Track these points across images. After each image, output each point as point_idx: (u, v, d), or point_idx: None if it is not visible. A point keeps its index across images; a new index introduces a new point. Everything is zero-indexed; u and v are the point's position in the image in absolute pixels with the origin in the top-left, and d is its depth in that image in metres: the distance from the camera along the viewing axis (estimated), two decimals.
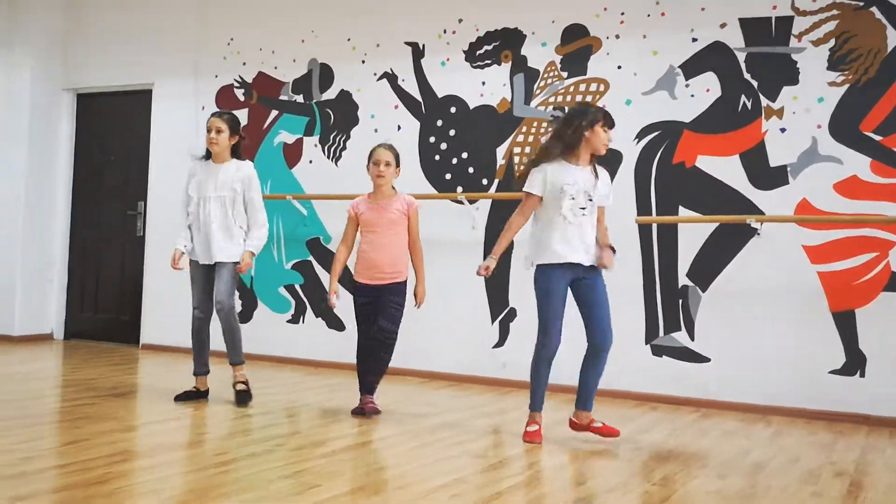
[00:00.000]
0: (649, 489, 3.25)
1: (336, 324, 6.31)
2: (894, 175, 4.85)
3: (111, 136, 7.45)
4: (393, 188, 4.51)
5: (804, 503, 3.13)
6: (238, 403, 4.63)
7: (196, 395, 4.73)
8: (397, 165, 4.48)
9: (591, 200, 3.96)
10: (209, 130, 4.65)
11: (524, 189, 4.06)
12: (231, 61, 6.85)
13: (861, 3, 4.96)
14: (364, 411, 4.41)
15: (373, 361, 4.42)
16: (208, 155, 4.73)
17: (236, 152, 4.73)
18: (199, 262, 4.72)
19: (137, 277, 7.19)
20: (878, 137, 4.90)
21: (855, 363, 4.90)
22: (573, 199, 3.93)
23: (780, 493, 3.25)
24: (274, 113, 6.66)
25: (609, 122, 4.02)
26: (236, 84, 6.82)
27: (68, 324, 7.52)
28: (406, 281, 4.47)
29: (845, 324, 4.93)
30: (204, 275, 4.72)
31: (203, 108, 6.92)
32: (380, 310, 4.39)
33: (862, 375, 4.89)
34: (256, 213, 4.67)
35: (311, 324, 6.43)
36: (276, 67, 6.67)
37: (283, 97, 6.63)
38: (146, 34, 7.16)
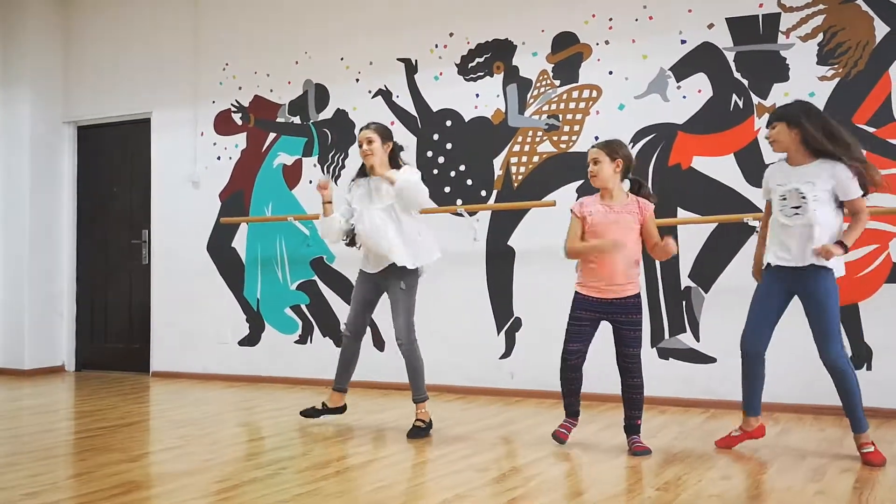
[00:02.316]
0: (652, 494, 3.24)
1: None
2: (890, 166, 4.83)
3: (113, 167, 7.53)
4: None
5: (809, 503, 3.11)
6: (409, 437, 4.39)
7: (325, 412, 4.65)
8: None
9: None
10: (360, 144, 4.47)
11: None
12: (227, 86, 6.91)
13: None
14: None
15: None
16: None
17: (395, 161, 4.50)
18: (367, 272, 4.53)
19: (145, 305, 7.25)
20: (871, 129, 4.88)
21: (861, 356, 4.87)
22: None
23: (784, 493, 3.23)
24: (272, 135, 6.71)
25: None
26: (233, 108, 6.88)
27: (79, 355, 7.58)
28: None
29: (849, 317, 4.90)
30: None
31: (202, 133, 6.98)
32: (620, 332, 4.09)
33: (869, 368, 4.86)
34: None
35: (319, 343, 6.46)
36: (271, 90, 6.72)
37: (279, 119, 6.68)
38: (142, 64, 7.24)
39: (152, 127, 7.23)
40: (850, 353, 4.81)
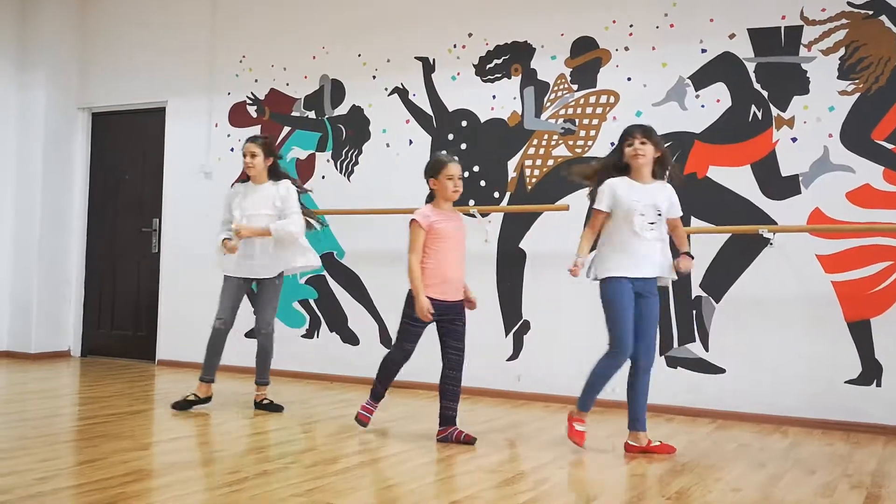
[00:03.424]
0: None
1: (350, 338, 6.33)
2: None
3: (126, 154, 7.53)
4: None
5: None
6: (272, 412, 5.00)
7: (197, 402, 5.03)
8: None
9: (659, 215, 4.05)
10: (244, 155, 4.97)
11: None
12: (243, 78, 6.91)
13: (870, 12, 4.94)
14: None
15: (455, 384, 4.42)
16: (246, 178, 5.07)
17: (274, 173, 5.02)
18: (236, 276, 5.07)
19: (153, 294, 7.25)
20: (889, 146, 4.88)
21: (871, 373, 4.87)
22: (643, 215, 4.02)
23: None
24: (286, 129, 6.71)
25: (636, 134, 4.09)
26: (248, 101, 6.88)
27: (85, 341, 7.58)
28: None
29: (861, 333, 4.90)
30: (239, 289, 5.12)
31: (216, 125, 6.98)
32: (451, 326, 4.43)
33: (878, 385, 4.85)
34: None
35: (326, 338, 6.46)
36: (287, 84, 6.72)
37: (294, 113, 6.68)
38: (159, 53, 7.24)
39: (167, 116, 7.23)
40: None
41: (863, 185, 4.92)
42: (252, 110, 6.87)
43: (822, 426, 4.87)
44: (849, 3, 4.99)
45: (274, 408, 5.05)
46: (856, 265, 4.93)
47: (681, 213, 4.18)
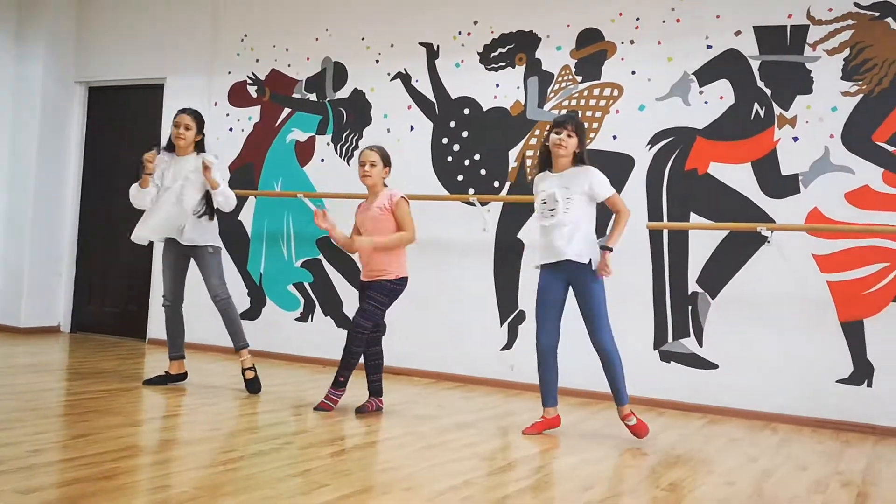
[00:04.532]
0: (658, 495, 3.25)
1: (345, 322, 6.32)
2: None
3: (122, 130, 7.46)
4: (384, 185, 4.60)
5: None
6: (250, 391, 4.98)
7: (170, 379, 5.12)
8: (385, 165, 4.58)
9: (568, 199, 4.17)
10: (177, 126, 4.98)
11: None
12: (244, 58, 6.86)
13: (877, 14, 4.95)
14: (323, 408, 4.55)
15: (344, 354, 4.49)
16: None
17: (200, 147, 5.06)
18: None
19: (145, 271, 7.21)
20: (890, 148, 4.89)
21: (862, 373, 4.90)
22: (544, 202, 4.21)
23: (788, 503, 3.25)
24: (286, 111, 6.67)
25: (555, 125, 4.26)
26: (249, 81, 6.84)
27: (75, 316, 7.54)
28: (395, 279, 4.48)
29: (853, 333, 4.92)
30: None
31: (215, 104, 6.94)
32: (360, 304, 4.54)
33: (869, 385, 4.88)
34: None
35: (320, 322, 6.44)
36: (289, 65, 6.68)
37: (296, 95, 6.64)
38: (159, 29, 7.18)
39: (165, 93, 7.17)
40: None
41: (862, 187, 4.94)
42: (252, 90, 6.82)
43: (813, 424, 4.90)
44: (856, 4, 5.00)
45: (252, 386, 4.95)
46: (851, 266, 4.95)
47: (609, 193, 4.23)
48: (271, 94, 6.74)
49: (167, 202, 4.91)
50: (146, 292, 7.19)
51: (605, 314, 4.18)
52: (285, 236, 6.61)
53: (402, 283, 4.51)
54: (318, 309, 6.47)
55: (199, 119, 5.03)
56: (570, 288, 4.23)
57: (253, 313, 6.68)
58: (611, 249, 4.18)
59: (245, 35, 6.86)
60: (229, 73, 6.92)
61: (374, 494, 3.01)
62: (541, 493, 3.21)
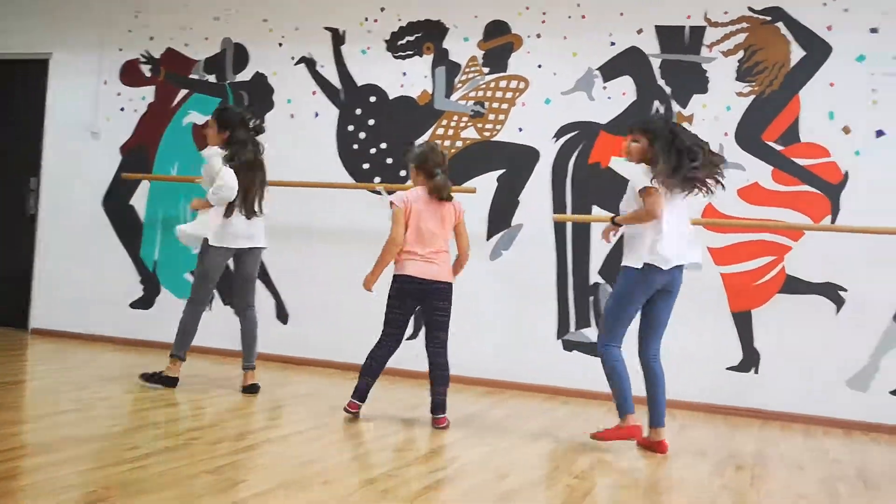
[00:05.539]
0: (571, 482, 3.33)
1: None
2: (793, 183, 5.13)
3: (1, 107, 7.00)
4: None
5: (716, 496, 3.28)
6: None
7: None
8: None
9: None
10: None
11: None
12: (137, 35, 6.55)
13: (768, 18, 5.20)
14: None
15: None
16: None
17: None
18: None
19: (27, 258, 6.79)
20: (779, 147, 5.17)
21: (750, 360, 5.17)
22: None
23: (695, 487, 3.40)
24: (183, 92, 6.42)
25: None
26: (142, 59, 6.54)
27: None
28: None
29: (743, 323, 5.19)
30: None
31: (105, 82, 6.60)
32: None
33: (756, 372, 5.16)
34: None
35: (219, 311, 6.25)
36: (186, 45, 6.42)
37: (193, 76, 6.40)
38: (45, 0, 6.76)
39: (50, 69, 6.77)
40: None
41: (753, 184, 5.19)
42: (146, 69, 6.53)
43: (706, 409, 5.14)
44: (749, 9, 5.23)
45: (161, 379, 4.79)
46: (742, 259, 5.21)
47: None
48: (166, 74, 6.47)
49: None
50: (28, 280, 6.77)
51: (610, 318, 4.14)
52: (182, 222, 6.35)
53: (395, 280, 4.43)
54: (216, 297, 6.27)
55: (217, 116, 4.89)
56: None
57: (146, 302, 6.42)
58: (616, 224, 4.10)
59: (139, 12, 6.55)
60: (120, 49, 6.59)
61: (293, 490, 2.95)
62: (461, 482, 3.23)
